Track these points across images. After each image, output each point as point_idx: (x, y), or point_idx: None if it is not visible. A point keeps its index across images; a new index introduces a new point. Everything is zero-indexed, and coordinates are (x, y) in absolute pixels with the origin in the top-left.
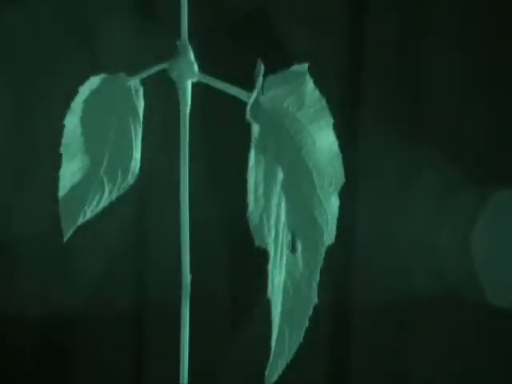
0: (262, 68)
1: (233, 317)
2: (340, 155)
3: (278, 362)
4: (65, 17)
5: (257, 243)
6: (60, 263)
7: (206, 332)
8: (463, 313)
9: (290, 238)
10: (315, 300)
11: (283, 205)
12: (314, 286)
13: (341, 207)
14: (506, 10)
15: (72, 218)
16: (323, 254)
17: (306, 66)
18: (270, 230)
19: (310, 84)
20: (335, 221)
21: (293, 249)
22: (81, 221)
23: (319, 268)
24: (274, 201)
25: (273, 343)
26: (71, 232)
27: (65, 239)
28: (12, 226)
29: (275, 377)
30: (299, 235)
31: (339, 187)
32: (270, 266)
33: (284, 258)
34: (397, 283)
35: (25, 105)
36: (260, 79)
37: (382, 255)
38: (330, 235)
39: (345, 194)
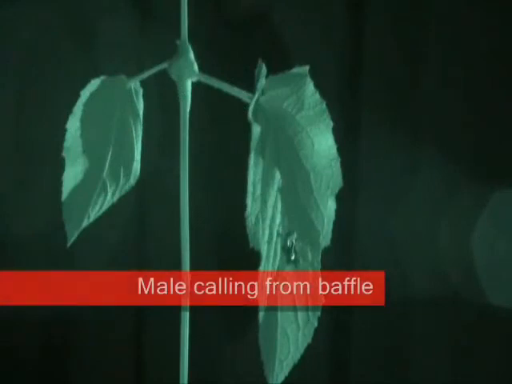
0: (263, 68)
1: (233, 317)
2: (338, 159)
3: (283, 363)
4: (65, 17)
5: (251, 244)
6: (60, 263)
7: (206, 332)
8: (463, 313)
9: (290, 245)
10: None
11: (279, 206)
12: None
13: (340, 209)
14: (506, 9)
15: (76, 221)
16: (319, 256)
17: (306, 68)
18: (264, 232)
19: (310, 86)
20: (331, 223)
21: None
22: (85, 224)
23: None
24: (271, 202)
25: (277, 344)
26: (75, 236)
27: (69, 243)
28: (13, 227)
29: (281, 378)
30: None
31: (336, 191)
32: (260, 268)
33: (277, 260)
34: (396, 283)
35: (26, 109)
36: (261, 79)
37: (382, 256)
38: (325, 238)
39: (344, 197)
